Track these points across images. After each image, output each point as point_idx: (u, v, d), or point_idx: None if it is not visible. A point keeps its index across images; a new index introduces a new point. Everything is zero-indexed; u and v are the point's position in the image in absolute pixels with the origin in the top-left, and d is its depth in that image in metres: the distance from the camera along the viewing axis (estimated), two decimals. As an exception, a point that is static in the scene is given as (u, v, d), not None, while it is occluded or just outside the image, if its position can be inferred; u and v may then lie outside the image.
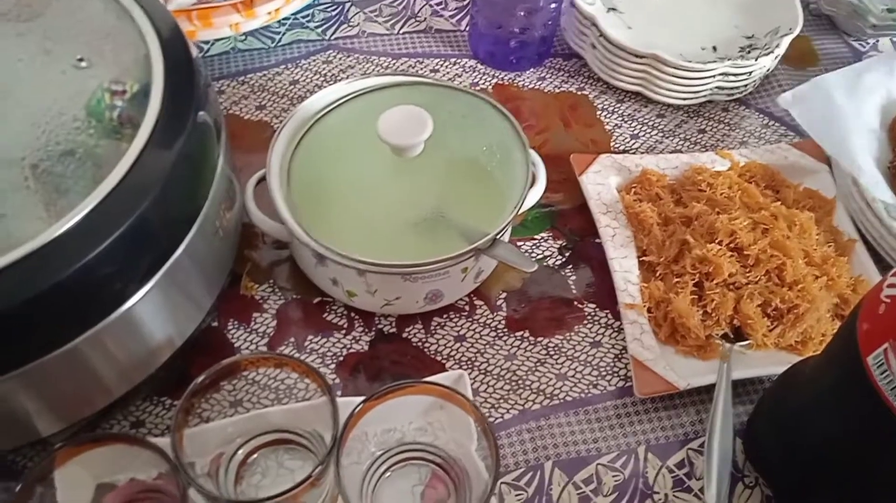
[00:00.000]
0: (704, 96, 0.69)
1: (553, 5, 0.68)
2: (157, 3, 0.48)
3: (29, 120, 0.41)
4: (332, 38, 0.73)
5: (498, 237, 0.52)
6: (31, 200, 0.40)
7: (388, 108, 0.54)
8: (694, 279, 0.55)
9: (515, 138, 0.56)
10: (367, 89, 0.59)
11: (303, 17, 0.75)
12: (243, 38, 0.72)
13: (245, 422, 0.47)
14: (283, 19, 0.73)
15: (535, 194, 0.56)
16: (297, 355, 0.55)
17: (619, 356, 0.55)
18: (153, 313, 0.45)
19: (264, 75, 0.70)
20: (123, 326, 0.43)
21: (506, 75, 0.72)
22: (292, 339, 0.55)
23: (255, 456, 0.48)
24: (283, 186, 0.54)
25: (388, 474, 0.47)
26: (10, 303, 0.37)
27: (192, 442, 0.43)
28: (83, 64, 0.43)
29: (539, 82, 0.72)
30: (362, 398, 0.43)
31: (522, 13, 0.67)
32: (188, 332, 0.49)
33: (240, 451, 0.47)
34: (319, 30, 0.74)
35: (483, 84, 0.71)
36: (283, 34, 0.73)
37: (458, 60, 0.73)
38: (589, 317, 0.57)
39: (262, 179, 0.55)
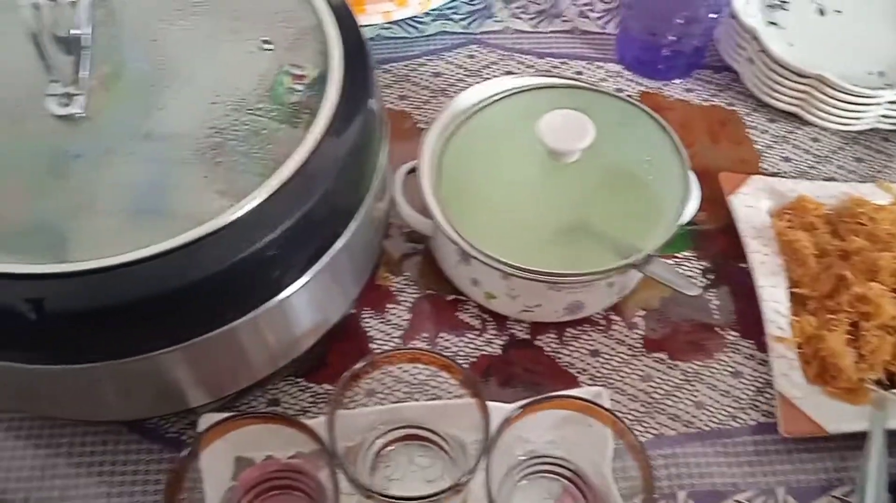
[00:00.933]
0: (867, 124, 0.65)
1: (712, 15, 0.66)
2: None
3: (215, 98, 0.42)
4: (477, 32, 0.73)
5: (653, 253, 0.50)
6: (211, 177, 0.40)
7: (543, 109, 0.53)
8: (850, 318, 0.52)
9: (673, 152, 0.54)
10: (521, 88, 0.58)
11: (448, 9, 0.74)
12: (388, 26, 0.72)
13: (384, 413, 0.48)
14: (430, 10, 0.73)
15: (689, 210, 0.54)
16: (428, 349, 0.54)
17: (761, 390, 0.53)
18: (307, 301, 0.45)
19: (407, 65, 0.70)
20: (278, 313, 0.43)
21: (652, 83, 0.70)
22: (425, 335, 0.55)
23: (390, 448, 0.48)
24: (433, 180, 0.53)
25: (522, 482, 0.47)
26: (181, 282, 0.38)
27: (338, 426, 0.43)
28: (268, 46, 0.44)
29: (686, 93, 0.69)
30: (517, 404, 0.42)
31: (680, 21, 0.65)
32: (333, 320, 0.49)
33: (378, 441, 0.47)
34: (464, 23, 0.73)
35: (628, 91, 0.69)
36: (428, 24, 0.73)
37: (603, 65, 0.71)
38: (731, 346, 0.55)
39: (410, 171, 0.55)
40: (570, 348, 0.55)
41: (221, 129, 0.41)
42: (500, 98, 0.57)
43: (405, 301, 0.56)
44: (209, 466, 0.44)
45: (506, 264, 0.50)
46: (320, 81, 0.44)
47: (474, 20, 0.73)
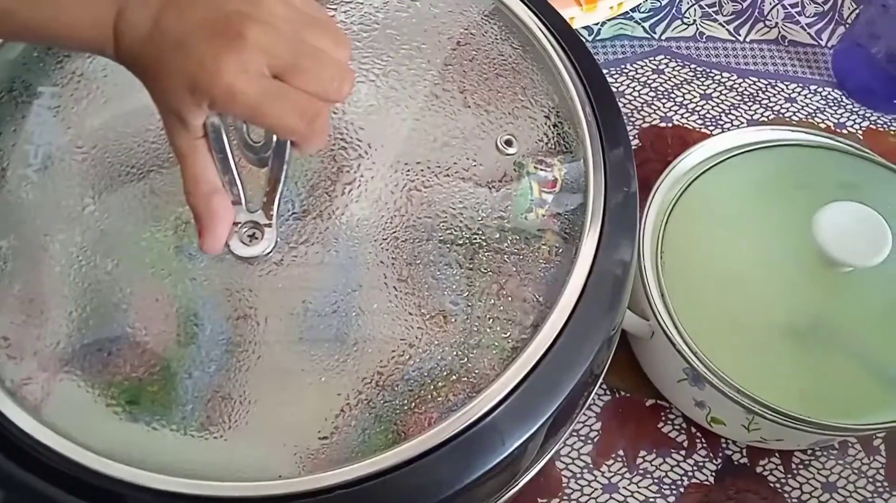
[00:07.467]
0: None
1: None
2: (583, 46, 0.35)
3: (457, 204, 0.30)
4: (662, 37, 0.59)
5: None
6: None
7: (794, 179, 0.42)
8: None
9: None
10: (752, 145, 0.46)
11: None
12: (553, 23, 0.59)
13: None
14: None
15: None
16: (627, 475, 0.45)
17: None
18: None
19: (579, 78, 0.57)
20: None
21: (881, 118, 0.57)
22: (621, 453, 0.45)
23: None
24: (654, 267, 0.42)
25: None
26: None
27: None
28: (511, 149, 0.31)
29: (926, 134, 0.56)
30: None
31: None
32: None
33: None
34: (647, 24, 0.59)
35: (851, 127, 0.56)
36: (602, 25, 0.59)
37: (820, 89, 0.58)
38: None
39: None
40: (800, 479, 0.45)
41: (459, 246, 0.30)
42: (733, 156, 0.45)
43: (593, 404, 0.46)
44: None
45: (759, 403, 0.39)
46: (572, 188, 0.32)
47: (659, 21, 0.60)
